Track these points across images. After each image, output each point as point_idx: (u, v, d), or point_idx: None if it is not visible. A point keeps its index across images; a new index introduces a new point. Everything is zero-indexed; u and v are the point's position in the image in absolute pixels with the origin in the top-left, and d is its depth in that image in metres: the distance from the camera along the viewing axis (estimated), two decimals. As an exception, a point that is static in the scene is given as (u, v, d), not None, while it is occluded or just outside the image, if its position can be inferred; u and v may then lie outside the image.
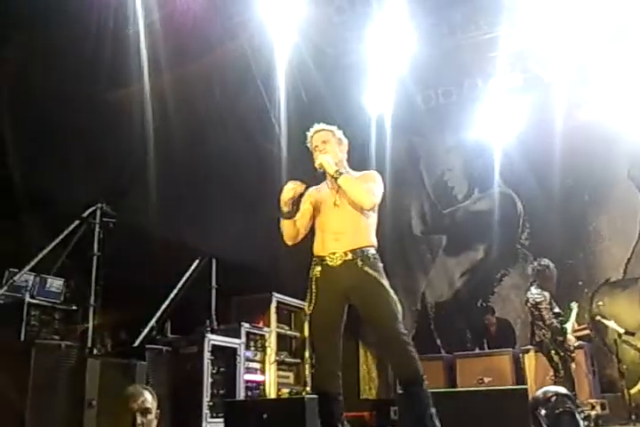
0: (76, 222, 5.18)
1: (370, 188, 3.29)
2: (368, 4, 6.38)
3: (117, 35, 5.46)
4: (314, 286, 3.22)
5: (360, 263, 3.15)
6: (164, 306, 5.87)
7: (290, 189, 3.21)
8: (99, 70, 5.24)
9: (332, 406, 3.12)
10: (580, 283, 7.22)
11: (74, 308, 5.14)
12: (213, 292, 6.37)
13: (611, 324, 6.44)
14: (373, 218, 3.33)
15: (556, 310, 5.53)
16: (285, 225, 3.30)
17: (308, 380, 6.80)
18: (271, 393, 6.09)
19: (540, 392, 4.36)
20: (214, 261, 6.42)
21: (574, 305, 5.88)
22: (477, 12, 6.78)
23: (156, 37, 5.62)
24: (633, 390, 6.11)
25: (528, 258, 7.96)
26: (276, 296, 6.56)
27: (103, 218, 5.22)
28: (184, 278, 6.11)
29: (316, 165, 3.31)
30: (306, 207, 3.40)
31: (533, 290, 5.57)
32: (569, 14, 6.54)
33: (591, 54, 7.16)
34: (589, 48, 7.05)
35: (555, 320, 5.40)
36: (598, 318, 6.56)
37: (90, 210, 5.22)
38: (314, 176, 3.39)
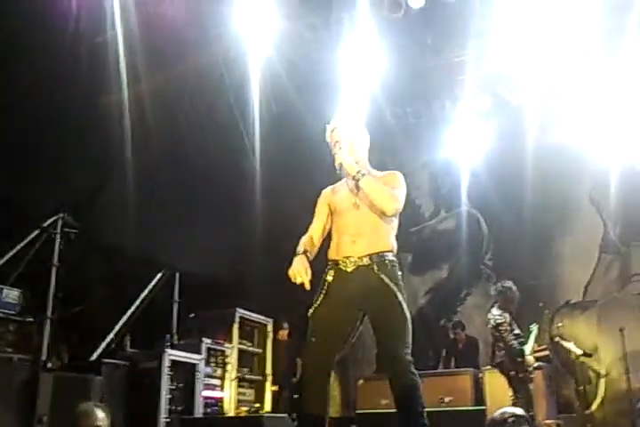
0: (36, 232, 5.07)
1: (393, 193, 3.05)
2: (340, 22, 6.43)
3: (92, 43, 5.40)
4: (324, 291, 2.96)
5: (376, 268, 2.92)
6: (123, 319, 5.77)
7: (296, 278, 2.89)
8: (76, 77, 5.15)
9: None
10: (541, 304, 7.30)
11: (30, 319, 5.01)
12: (175, 306, 6.30)
13: (569, 345, 6.50)
14: (395, 222, 3.14)
15: (517, 331, 5.59)
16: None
17: (268, 397, 6.74)
18: (230, 410, 6.01)
19: (497, 413, 4.35)
20: (177, 275, 6.35)
21: (534, 327, 5.93)
22: (448, 36, 6.88)
23: (134, 48, 5.57)
24: (588, 411, 6.18)
25: (491, 278, 8.05)
26: (240, 312, 6.50)
27: (64, 228, 5.12)
28: (145, 292, 6.02)
29: (336, 164, 3.09)
30: (321, 215, 3.19)
31: (494, 311, 5.63)
32: (538, 40, 6.68)
33: (558, 79, 7.33)
34: (556, 73, 7.22)
35: (515, 342, 5.46)
36: (557, 339, 6.62)
37: (51, 220, 5.11)
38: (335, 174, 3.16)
